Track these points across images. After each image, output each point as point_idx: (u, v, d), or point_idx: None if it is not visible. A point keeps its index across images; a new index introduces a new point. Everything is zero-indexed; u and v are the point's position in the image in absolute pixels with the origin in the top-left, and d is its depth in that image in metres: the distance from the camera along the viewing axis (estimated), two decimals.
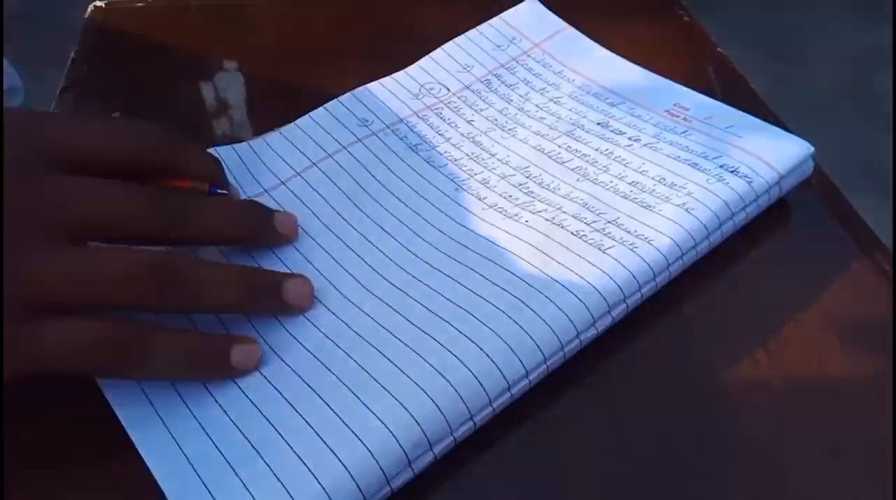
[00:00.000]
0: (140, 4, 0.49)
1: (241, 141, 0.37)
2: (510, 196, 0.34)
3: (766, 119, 0.37)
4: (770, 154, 0.34)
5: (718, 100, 0.38)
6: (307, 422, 0.26)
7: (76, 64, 0.44)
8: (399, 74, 0.41)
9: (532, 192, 0.34)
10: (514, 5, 0.44)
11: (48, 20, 1.53)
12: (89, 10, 0.48)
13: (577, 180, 0.34)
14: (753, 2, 1.93)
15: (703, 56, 0.45)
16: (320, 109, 0.39)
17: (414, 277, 0.31)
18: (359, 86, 0.39)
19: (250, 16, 0.48)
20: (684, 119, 0.37)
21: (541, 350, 0.27)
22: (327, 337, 0.29)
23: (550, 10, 0.44)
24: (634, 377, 0.29)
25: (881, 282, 0.32)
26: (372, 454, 0.24)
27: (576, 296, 0.29)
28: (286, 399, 0.27)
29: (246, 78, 0.44)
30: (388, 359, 0.27)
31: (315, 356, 0.28)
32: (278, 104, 0.41)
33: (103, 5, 0.48)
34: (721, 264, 0.33)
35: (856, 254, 0.34)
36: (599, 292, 0.29)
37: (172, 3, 0.49)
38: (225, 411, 0.26)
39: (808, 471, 0.26)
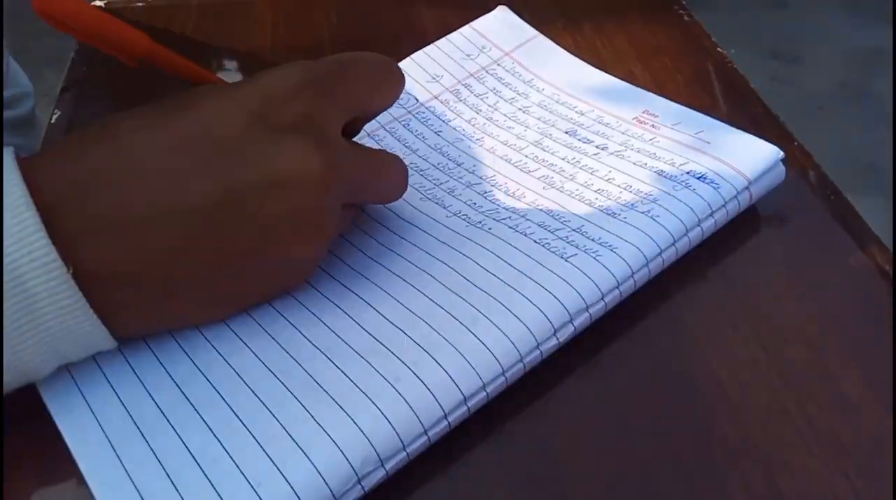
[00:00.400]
0: (140, 4, 0.49)
1: None
2: (475, 204, 0.33)
3: (763, 119, 0.37)
4: (738, 159, 0.33)
5: (719, 99, 0.38)
6: (251, 434, 0.25)
7: (76, 64, 0.44)
8: None
9: (497, 200, 0.34)
10: (512, 7, 0.44)
11: None
12: None
13: (544, 189, 0.34)
14: (753, 1, 1.93)
15: (702, 55, 0.45)
16: None
17: (372, 281, 0.30)
18: None
19: (250, 15, 0.48)
20: (652, 126, 0.36)
21: (499, 362, 0.27)
22: (277, 342, 0.28)
23: (521, 16, 0.44)
24: (634, 379, 0.29)
25: (881, 282, 0.32)
26: (318, 471, 0.24)
27: (536, 306, 0.28)
28: (230, 407, 0.26)
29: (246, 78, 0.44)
30: (338, 367, 0.27)
31: (263, 363, 0.27)
32: None
33: (103, 5, 0.48)
34: (720, 265, 0.33)
35: (856, 254, 0.34)
36: (560, 302, 0.28)
37: (172, 3, 0.49)
38: (164, 414, 0.26)
39: (808, 471, 0.26)
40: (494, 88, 0.41)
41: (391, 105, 0.31)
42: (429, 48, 0.43)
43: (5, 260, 0.22)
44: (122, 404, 0.26)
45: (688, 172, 0.33)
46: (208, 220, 0.25)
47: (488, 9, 0.44)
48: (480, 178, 0.35)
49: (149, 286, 0.25)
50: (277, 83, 0.26)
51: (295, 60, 0.27)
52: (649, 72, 0.41)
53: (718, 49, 0.45)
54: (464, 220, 0.33)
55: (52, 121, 0.40)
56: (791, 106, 1.52)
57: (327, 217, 0.27)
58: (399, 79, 0.31)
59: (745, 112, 0.40)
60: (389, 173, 0.31)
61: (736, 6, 1.87)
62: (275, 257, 0.27)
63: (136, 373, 0.27)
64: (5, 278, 0.22)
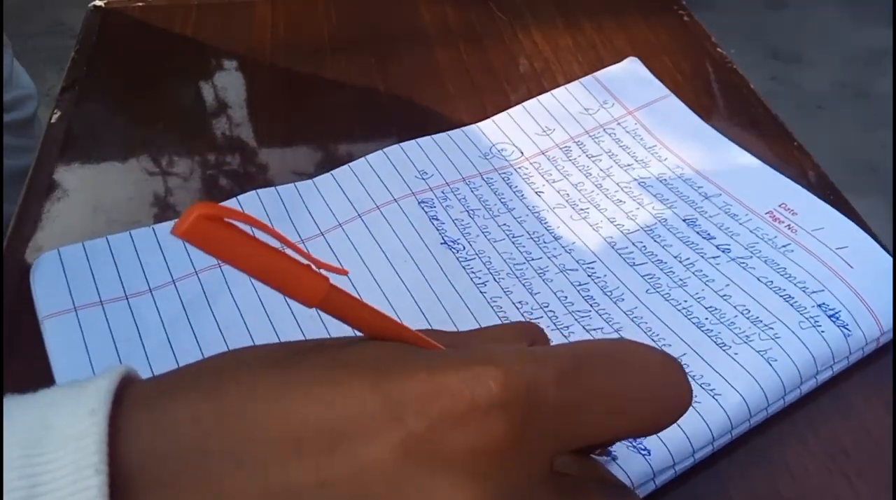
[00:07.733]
0: (140, 4, 0.49)
1: (241, 141, 0.37)
2: (565, 298, 0.29)
3: (763, 119, 0.36)
4: (879, 301, 0.29)
5: (718, 99, 0.38)
6: None
7: (76, 64, 0.44)
8: (470, 128, 0.37)
9: (591, 297, 0.29)
10: (512, 6, 0.44)
11: (47, 20, 1.53)
12: (89, 9, 0.48)
13: (647, 292, 0.30)
14: (753, 1, 1.93)
15: (702, 56, 0.45)
16: (378, 152, 0.35)
17: None
18: (358, 85, 0.39)
19: (250, 15, 0.48)
20: (788, 227, 0.32)
21: None
22: None
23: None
24: None
25: None
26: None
27: (615, 462, 0.24)
28: None
29: (246, 78, 0.44)
30: None
31: None
32: (278, 104, 0.41)
33: (103, 5, 0.48)
34: None
35: None
36: (645, 459, 0.24)
37: (172, 3, 0.49)
38: None
39: (808, 471, 0.26)
40: (610, 151, 0.36)
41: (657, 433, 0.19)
42: (543, 96, 0.39)
43: None
44: None
45: (819, 305, 0.29)
46: None
47: (488, 8, 0.44)
48: (577, 263, 0.31)
49: None
50: (461, 389, 0.16)
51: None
52: (649, 72, 0.41)
53: (718, 49, 0.45)
54: (550, 319, 0.29)
55: (52, 121, 0.40)
56: (791, 106, 1.52)
57: None
58: (684, 395, 0.18)
59: (745, 112, 0.40)
60: None
61: (736, 6, 1.87)
62: None
63: None
64: None
